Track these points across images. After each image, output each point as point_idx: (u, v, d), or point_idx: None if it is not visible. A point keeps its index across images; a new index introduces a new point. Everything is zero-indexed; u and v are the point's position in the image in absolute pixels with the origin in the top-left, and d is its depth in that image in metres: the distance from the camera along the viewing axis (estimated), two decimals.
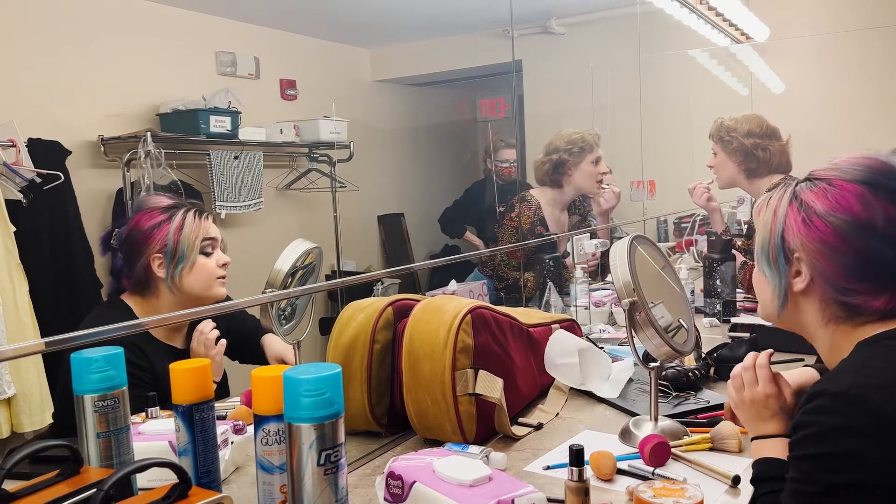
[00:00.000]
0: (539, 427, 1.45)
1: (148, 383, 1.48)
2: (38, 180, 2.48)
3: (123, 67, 3.05)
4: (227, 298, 1.64)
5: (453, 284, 2.19)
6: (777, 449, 1.05)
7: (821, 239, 0.98)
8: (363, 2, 3.78)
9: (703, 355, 1.71)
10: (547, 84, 4.19)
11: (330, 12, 3.88)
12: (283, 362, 1.73)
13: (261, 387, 0.94)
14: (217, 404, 1.13)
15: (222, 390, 1.70)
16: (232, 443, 1.24)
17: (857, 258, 0.96)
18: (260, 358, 1.75)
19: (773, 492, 0.99)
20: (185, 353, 1.62)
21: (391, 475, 1.03)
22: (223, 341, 1.59)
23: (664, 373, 1.60)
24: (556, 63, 4.18)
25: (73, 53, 2.88)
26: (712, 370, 1.71)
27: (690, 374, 1.62)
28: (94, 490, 0.75)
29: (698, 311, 2.27)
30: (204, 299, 1.61)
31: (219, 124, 3.11)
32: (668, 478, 1.14)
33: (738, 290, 2.29)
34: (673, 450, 1.24)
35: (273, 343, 1.75)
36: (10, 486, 0.81)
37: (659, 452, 1.21)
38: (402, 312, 1.45)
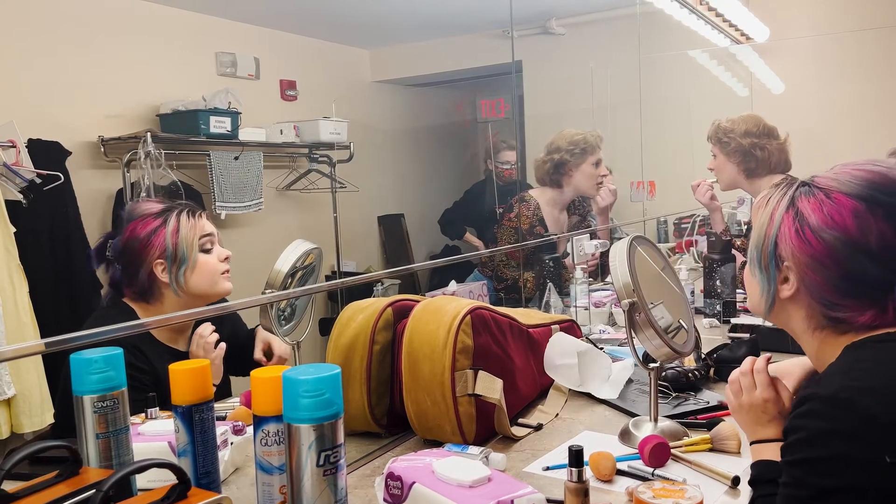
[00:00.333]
0: (539, 428, 1.45)
1: (149, 385, 1.48)
2: (38, 181, 2.48)
3: (123, 68, 3.05)
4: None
5: (453, 285, 2.19)
6: (775, 452, 1.05)
7: (810, 253, 0.98)
8: (363, 2, 3.78)
9: (703, 356, 1.71)
10: (547, 85, 4.19)
11: (330, 13, 3.88)
12: (271, 348, 1.73)
13: (260, 387, 0.94)
14: (217, 405, 1.13)
15: (224, 391, 1.70)
16: (231, 443, 1.24)
17: (846, 275, 0.96)
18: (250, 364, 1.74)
19: (770, 494, 0.99)
20: (187, 356, 1.62)
21: (390, 476, 1.03)
22: (223, 345, 1.59)
23: (664, 373, 1.60)
24: (556, 64, 4.18)
25: (73, 54, 2.88)
26: (712, 371, 1.71)
27: (690, 374, 1.62)
28: (94, 491, 0.75)
29: (698, 311, 2.27)
30: (211, 297, 1.61)
31: (219, 125, 3.11)
32: (667, 478, 1.14)
33: (738, 290, 2.29)
34: (672, 450, 1.24)
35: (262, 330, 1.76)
36: (10, 486, 0.81)
37: (658, 453, 1.21)
38: (401, 313, 1.45)
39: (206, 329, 1.59)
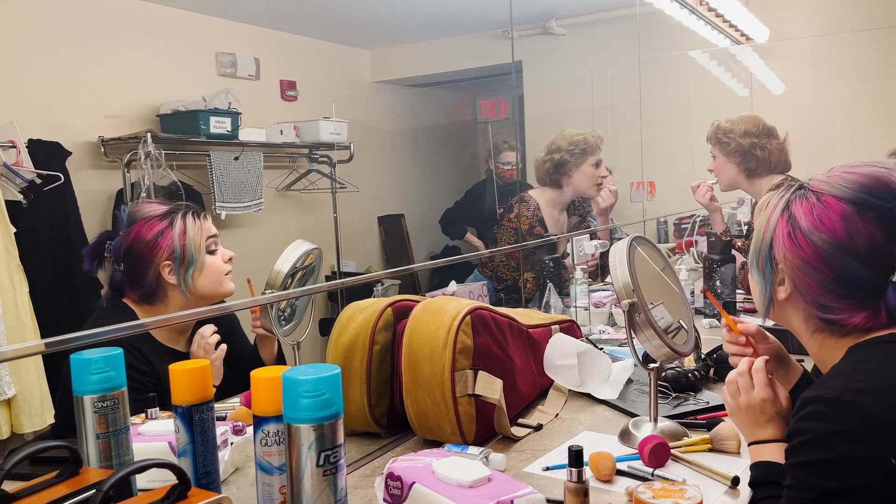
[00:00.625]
0: (538, 428, 1.45)
1: (149, 387, 1.48)
2: (39, 181, 2.48)
3: (123, 68, 3.05)
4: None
5: (453, 285, 2.19)
6: (774, 453, 1.05)
7: (801, 257, 1.00)
8: (363, 3, 3.78)
9: (703, 356, 1.71)
10: (547, 85, 4.19)
11: (330, 13, 3.88)
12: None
13: (260, 388, 0.94)
14: (217, 405, 1.13)
15: (225, 391, 1.70)
16: (231, 444, 1.24)
17: (836, 278, 0.98)
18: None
19: (772, 497, 0.99)
20: (187, 357, 1.62)
21: (390, 476, 1.03)
22: (223, 346, 1.59)
23: (664, 374, 1.60)
24: (556, 64, 4.18)
25: (73, 54, 2.88)
26: (712, 371, 1.71)
27: (690, 375, 1.62)
28: (94, 491, 0.75)
29: (698, 311, 2.28)
30: (216, 297, 1.62)
31: (219, 125, 3.11)
32: (667, 479, 1.14)
33: (738, 290, 2.30)
34: (672, 451, 1.24)
35: None
36: (10, 486, 0.81)
37: (658, 453, 1.21)
38: (401, 313, 1.45)
39: (208, 330, 1.59)
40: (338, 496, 0.88)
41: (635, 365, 1.61)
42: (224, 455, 1.19)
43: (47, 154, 2.59)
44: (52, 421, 2.24)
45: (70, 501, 0.79)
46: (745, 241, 2.72)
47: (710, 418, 1.42)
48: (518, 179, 3.78)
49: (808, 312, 1.02)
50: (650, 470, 1.20)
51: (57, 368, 1.66)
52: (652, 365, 1.36)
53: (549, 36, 4.11)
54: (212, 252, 1.61)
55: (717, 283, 2.25)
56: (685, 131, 4.19)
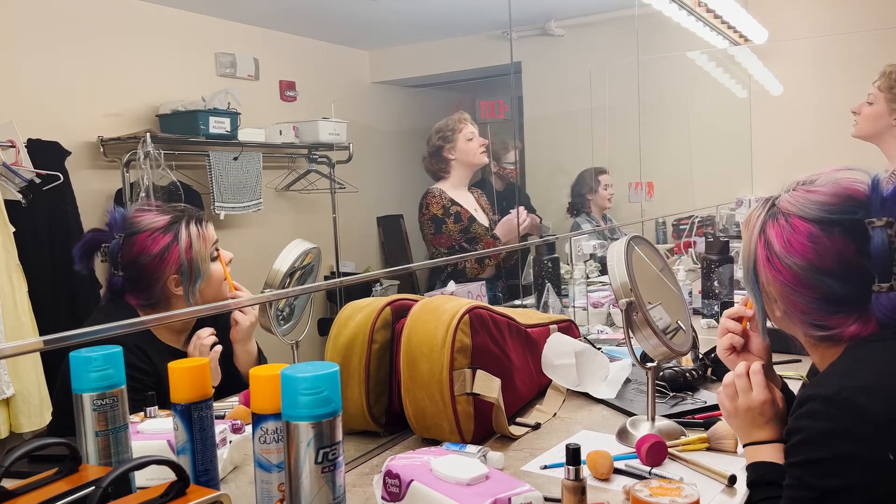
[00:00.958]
0: (536, 427, 1.45)
1: (150, 386, 1.48)
2: (38, 181, 2.48)
3: (123, 68, 3.05)
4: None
5: (452, 285, 2.20)
6: (772, 453, 1.06)
7: (782, 281, 1.01)
8: (363, 4, 3.78)
9: (701, 356, 1.71)
10: (546, 86, 4.19)
11: (330, 14, 3.88)
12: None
13: (259, 385, 0.94)
14: (215, 404, 1.14)
15: (224, 391, 1.70)
16: (230, 442, 1.24)
17: (817, 297, 0.99)
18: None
19: (771, 497, 0.99)
20: (188, 355, 1.62)
21: (389, 474, 1.03)
22: (218, 348, 1.59)
23: (661, 373, 1.60)
24: (555, 65, 4.19)
25: (73, 54, 2.89)
26: (709, 371, 1.72)
27: (687, 374, 1.63)
28: (93, 488, 0.75)
29: (696, 312, 2.28)
30: (215, 301, 1.61)
31: (218, 125, 3.11)
32: (664, 477, 1.15)
33: (735, 291, 2.30)
34: (670, 449, 1.25)
35: None
36: (9, 484, 0.81)
37: (656, 452, 1.22)
38: (400, 312, 1.45)
39: (205, 332, 1.60)
40: (336, 493, 0.88)
41: (633, 364, 1.61)
42: (223, 453, 1.19)
43: (46, 154, 2.59)
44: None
45: (69, 498, 0.79)
46: None
47: (707, 417, 1.43)
48: (518, 184, 3.78)
49: (803, 329, 1.03)
50: (647, 468, 1.20)
51: (56, 369, 1.66)
52: (650, 364, 1.37)
53: (548, 37, 4.11)
54: (214, 259, 1.62)
55: (715, 283, 2.25)
56: (683, 132, 4.19)
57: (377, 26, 4.17)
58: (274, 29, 3.83)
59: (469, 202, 2.81)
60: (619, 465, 1.21)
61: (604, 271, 2.58)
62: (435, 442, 1.34)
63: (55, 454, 0.88)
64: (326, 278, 3.42)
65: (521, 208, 2.71)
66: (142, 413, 1.31)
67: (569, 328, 1.75)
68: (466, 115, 2.84)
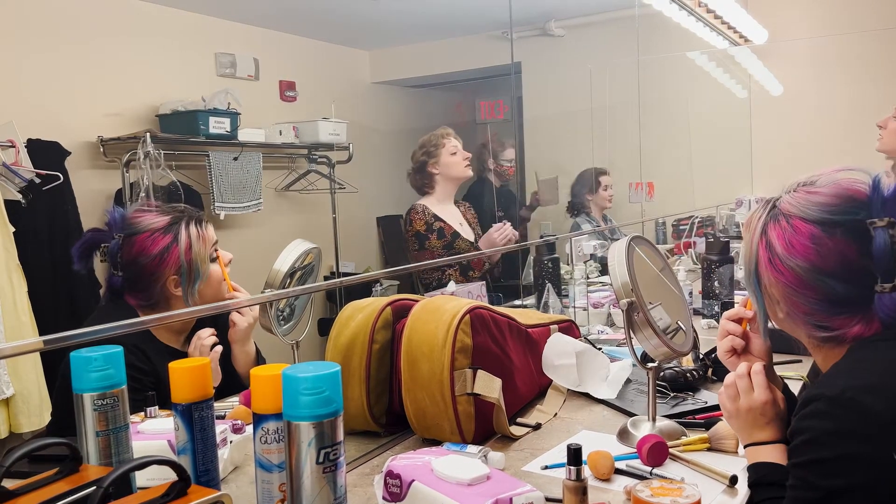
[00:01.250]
0: (537, 427, 1.45)
1: (150, 386, 1.48)
2: (38, 181, 2.48)
3: (123, 68, 3.05)
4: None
5: (452, 285, 2.19)
6: (773, 454, 1.06)
7: (784, 283, 1.01)
8: (363, 4, 3.78)
9: (701, 356, 1.71)
10: (546, 86, 4.19)
11: (329, 14, 3.89)
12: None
13: (260, 385, 0.94)
14: (215, 404, 1.13)
15: (225, 391, 1.69)
16: (231, 442, 1.24)
17: (820, 299, 0.99)
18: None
19: (774, 498, 0.99)
20: (186, 356, 1.62)
21: (390, 474, 1.03)
22: (218, 348, 1.59)
23: (662, 373, 1.60)
24: (555, 65, 4.19)
25: (73, 54, 2.89)
26: (710, 371, 1.71)
27: (688, 374, 1.63)
28: (94, 488, 0.75)
29: (696, 312, 2.28)
30: (215, 301, 1.61)
31: (218, 125, 3.11)
32: (665, 477, 1.14)
33: (735, 291, 2.30)
34: (671, 450, 1.25)
35: None
36: (9, 484, 0.81)
37: (657, 452, 1.22)
38: (400, 312, 1.45)
39: (205, 332, 1.60)
40: (337, 493, 0.88)
41: (634, 365, 1.61)
42: (223, 453, 1.19)
43: (46, 154, 2.59)
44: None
45: (70, 498, 0.79)
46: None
47: (708, 418, 1.43)
48: (516, 180, 3.78)
49: (806, 331, 1.03)
50: (648, 469, 1.20)
51: (55, 369, 1.66)
52: (650, 364, 1.36)
53: (548, 37, 4.12)
54: (213, 260, 1.62)
55: (716, 283, 2.25)
56: (684, 132, 4.19)
57: (377, 26, 4.18)
58: (274, 29, 3.83)
59: (454, 216, 2.82)
60: (620, 465, 1.21)
61: (604, 271, 2.59)
62: (435, 442, 1.34)
63: (55, 454, 0.88)
64: (326, 278, 3.42)
65: (507, 223, 2.72)
66: (142, 413, 1.31)
67: (569, 328, 1.75)
68: (450, 129, 2.85)
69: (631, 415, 1.47)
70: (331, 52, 4.33)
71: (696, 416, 1.45)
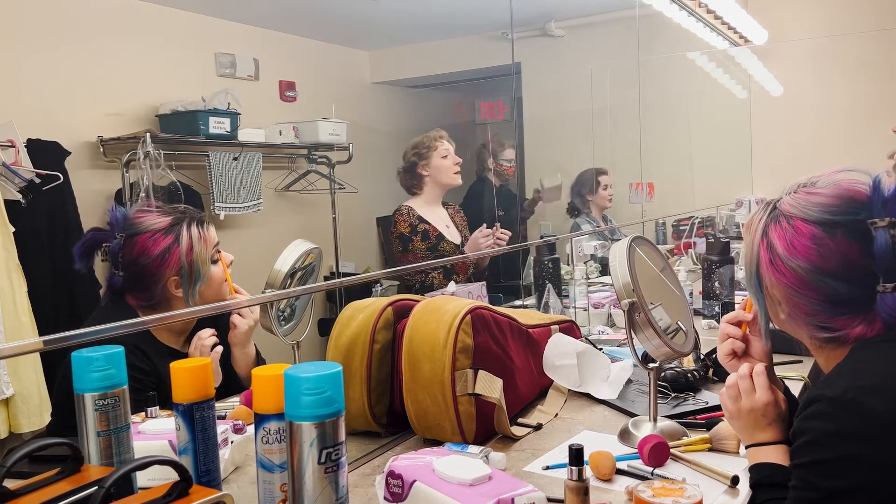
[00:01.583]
0: (538, 427, 1.45)
1: (150, 387, 1.48)
2: (38, 181, 2.48)
3: (123, 68, 3.05)
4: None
5: (452, 286, 2.19)
6: (774, 455, 1.06)
7: (786, 283, 1.01)
8: (362, 4, 3.78)
9: (702, 356, 1.71)
10: (546, 86, 4.19)
11: (329, 14, 3.88)
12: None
13: (261, 385, 0.94)
14: (217, 404, 1.13)
15: (225, 391, 1.69)
16: (232, 442, 1.24)
17: (822, 299, 0.99)
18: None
19: (775, 498, 0.99)
20: (188, 356, 1.62)
21: (391, 474, 1.03)
22: (218, 349, 1.59)
23: (663, 374, 1.60)
24: (555, 65, 4.19)
25: (73, 54, 2.88)
26: (711, 371, 1.72)
27: (689, 375, 1.63)
28: (96, 488, 0.75)
29: (697, 312, 2.28)
30: (215, 302, 1.61)
31: (218, 125, 3.11)
32: (667, 478, 1.14)
33: (736, 292, 2.30)
34: (672, 450, 1.25)
35: None
36: (10, 484, 0.81)
37: (658, 453, 1.21)
38: (401, 313, 1.45)
39: (206, 332, 1.60)
40: (339, 494, 0.88)
41: (635, 365, 1.61)
42: (224, 454, 1.19)
43: (46, 154, 2.59)
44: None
45: (72, 498, 0.79)
46: None
47: (709, 418, 1.43)
48: (516, 180, 3.78)
49: (808, 332, 1.03)
50: (650, 469, 1.20)
51: (55, 369, 1.66)
52: (651, 365, 1.36)
53: (548, 37, 4.11)
54: (214, 262, 1.62)
55: (716, 284, 2.25)
56: (684, 133, 4.19)
57: (377, 26, 4.17)
58: (274, 29, 3.83)
59: (440, 219, 2.82)
60: (622, 465, 1.21)
61: (604, 272, 2.59)
62: (436, 442, 1.34)
63: (56, 454, 0.88)
64: (326, 278, 3.42)
65: (498, 228, 2.72)
66: (143, 413, 1.31)
67: (570, 329, 1.75)
68: (443, 132, 2.85)
69: (632, 415, 1.47)
70: (331, 53, 4.33)
71: (698, 417, 1.45)
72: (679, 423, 1.39)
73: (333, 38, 4.25)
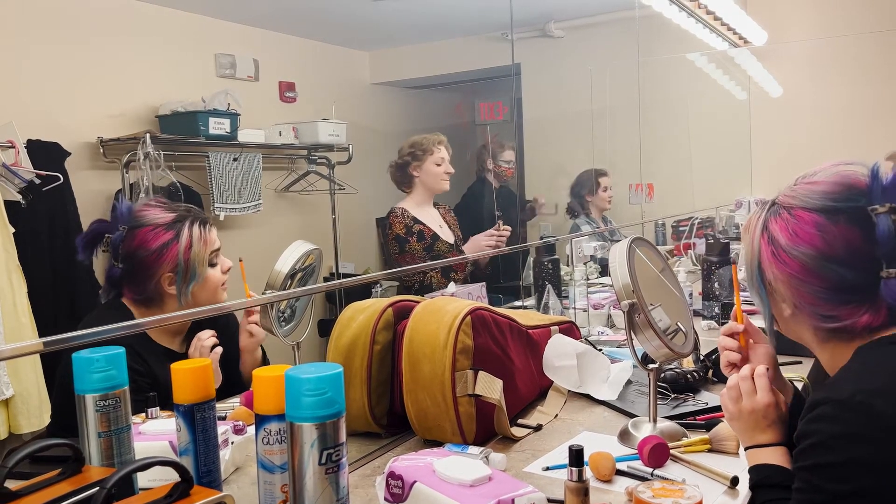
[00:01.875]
0: (538, 428, 1.45)
1: (145, 388, 1.48)
2: (38, 181, 2.48)
3: (123, 69, 3.05)
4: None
5: (452, 286, 2.19)
6: (774, 457, 1.05)
7: (789, 273, 1.01)
8: (362, 5, 3.78)
9: (702, 357, 1.71)
10: (546, 87, 4.20)
11: (329, 15, 3.89)
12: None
13: (262, 386, 0.94)
14: (217, 405, 1.13)
15: (225, 392, 1.69)
16: (232, 443, 1.24)
17: (828, 286, 0.98)
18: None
19: (777, 500, 0.99)
20: (184, 357, 1.62)
21: (391, 475, 1.03)
22: (218, 350, 1.59)
23: (663, 375, 1.60)
24: (555, 66, 4.19)
25: (73, 54, 2.88)
26: (710, 372, 1.72)
27: (689, 376, 1.63)
28: (98, 488, 0.75)
29: (696, 313, 2.28)
30: (208, 304, 1.61)
31: (218, 126, 3.11)
32: (666, 478, 1.15)
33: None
34: (672, 451, 1.25)
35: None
36: (11, 485, 0.81)
37: (658, 453, 1.22)
38: (402, 313, 1.45)
39: (206, 333, 1.60)
40: (339, 494, 0.88)
41: (634, 366, 1.61)
42: (225, 454, 1.19)
43: (46, 154, 2.59)
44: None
45: (74, 499, 0.79)
46: None
47: (709, 419, 1.43)
48: (517, 181, 3.78)
49: (814, 325, 1.03)
50: (650, 470, 1.20)
51: (55, 370, 1.66)
52: (651, 366, 1.36)
53: (548, 38, 4.12)
54: (213, 265, 1.61)
55: (716, 285, 2.25)
56: (683, 134, 4.20)
57: (377, 27, 4.17)
58: (273, 30, 3.83)
59: (433, 219, 2.83)
60: (622, 466, 1.21)
61: (604, 273, 2.59)
62: (437, 443, 1.34)
63: (57, 455, 0.88)
64: (326, 279, 3.42)
65: (504, 230, 2.72)
66: (143, 414, 1.31)
67: (570, 329, 1.75)
68: (444, 138, 2.86)
69: (632, 416, 1.47)
70: (330, 53, 4.33)
71: (697, 418, 1.46)
72: (679, 423, 1.39)
73: (333, 39, 4.25)
